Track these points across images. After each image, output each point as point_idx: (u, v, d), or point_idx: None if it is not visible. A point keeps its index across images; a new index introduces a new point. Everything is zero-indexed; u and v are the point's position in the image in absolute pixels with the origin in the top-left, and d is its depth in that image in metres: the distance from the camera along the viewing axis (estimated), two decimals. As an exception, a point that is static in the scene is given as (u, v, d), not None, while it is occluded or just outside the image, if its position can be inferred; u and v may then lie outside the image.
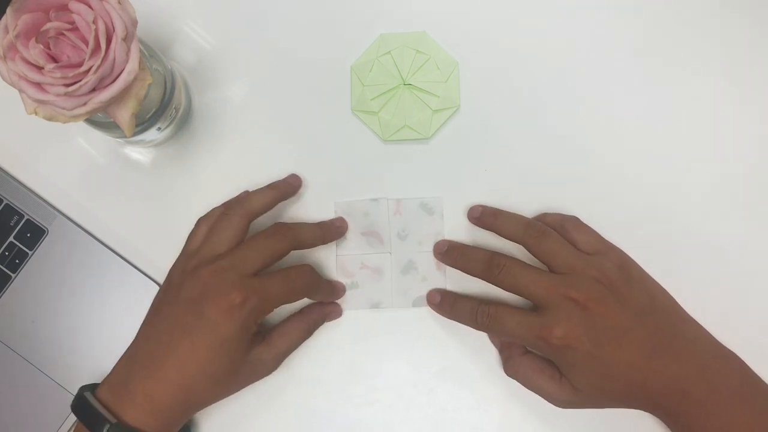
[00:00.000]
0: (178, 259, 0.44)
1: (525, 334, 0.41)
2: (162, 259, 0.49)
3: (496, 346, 0.47)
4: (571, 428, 0.46)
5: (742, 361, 0.41)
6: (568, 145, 0.48)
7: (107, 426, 0.38)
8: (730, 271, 0.47)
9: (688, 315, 0.43)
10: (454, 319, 0.46)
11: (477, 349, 0.47)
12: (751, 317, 0.47)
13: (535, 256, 0.43)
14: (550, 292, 0.40)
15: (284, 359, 0.44)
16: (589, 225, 0.46)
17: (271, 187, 0.47)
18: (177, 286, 0.41)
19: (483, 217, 0.46)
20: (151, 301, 0.43)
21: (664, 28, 0.49)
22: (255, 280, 0.41)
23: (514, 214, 0.46)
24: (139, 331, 0.42)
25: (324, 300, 0.47)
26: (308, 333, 0.46)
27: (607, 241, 0.45)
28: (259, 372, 0.43)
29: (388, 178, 0.49)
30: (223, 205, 0.46)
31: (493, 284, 0.43)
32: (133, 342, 0.42)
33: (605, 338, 0.40)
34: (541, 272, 0.42)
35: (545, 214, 0.47)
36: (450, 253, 0.46)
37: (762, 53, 0.48)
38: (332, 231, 0.47)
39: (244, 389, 0.43)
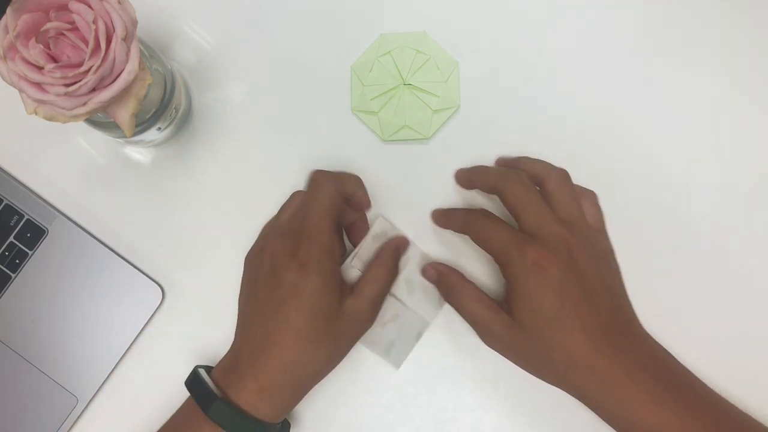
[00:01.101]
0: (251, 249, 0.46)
1: (508, 239, 0.40)
2: (162, 259, 0.49)
3: (431, 280, 0.47)
4: (571, 429, 0.46)
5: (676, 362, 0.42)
6: (569, 145, 0.48)
7: (216, 402, 0.38)
8: (732, 270, 0.47)
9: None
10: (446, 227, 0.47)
11: (477, 350, 0.47)
12: (751, 317, 0.47)
13: (505, 204, 0.42)
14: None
15: (380, 306, 0.44)
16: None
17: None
18: (252, 269, 0.43)
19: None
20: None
21: (665, 28, 0.49)
22: (304, 225, 0.41)
23: (496, 167, 0.47)
24: (237, 325, 0.43)
25: (358, 192, 0.46)
26: (393, 269, 0.45)
27: (582, 210, 0.44)
28: (359, 325, 0.42)
29: (388, 178, 0.49)
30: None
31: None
32: (235, 336, 0.43)
33: (575, 289, 0.39)
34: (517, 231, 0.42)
35: (533, 160, 0.45)
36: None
37: (766, 53, 0.48)
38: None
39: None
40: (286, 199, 0.46)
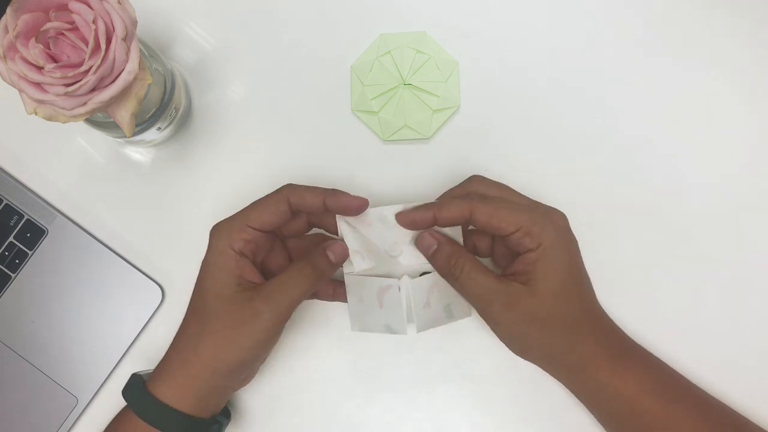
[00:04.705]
0: None
1: (533, 208, 0.41)
2: (162, 258, 0.49)
3: (428, 249, 0.42)
4: (571, 429, 0.46)
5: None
6: (569, 145, 0.48)
7: (133, 392, 0.40)
8: (730, 270, 0.47)
9: None
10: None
11: (478, 350, 0.47)
12: (751, 317, 0.47)
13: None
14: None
15: (288, 315, 0.40)
16: (588, 222, 0.46)
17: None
18: None
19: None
20: None
21: (665, 27, 0.49)
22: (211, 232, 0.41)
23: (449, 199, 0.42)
24: None
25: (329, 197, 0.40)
26: (316, 278, 0.40)
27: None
28: (262, 331, 0.39)
29: (388, 178, 0.49)
30: None
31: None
32: None
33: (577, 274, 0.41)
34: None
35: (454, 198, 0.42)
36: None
37: (765, 53, 0.48)
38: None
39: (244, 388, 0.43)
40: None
